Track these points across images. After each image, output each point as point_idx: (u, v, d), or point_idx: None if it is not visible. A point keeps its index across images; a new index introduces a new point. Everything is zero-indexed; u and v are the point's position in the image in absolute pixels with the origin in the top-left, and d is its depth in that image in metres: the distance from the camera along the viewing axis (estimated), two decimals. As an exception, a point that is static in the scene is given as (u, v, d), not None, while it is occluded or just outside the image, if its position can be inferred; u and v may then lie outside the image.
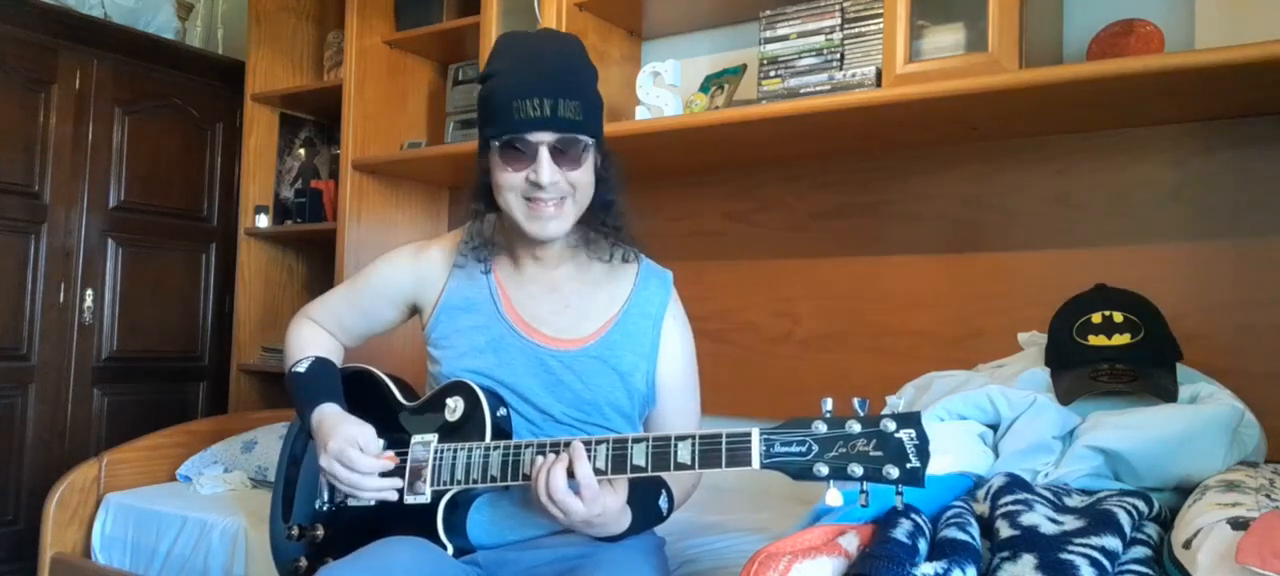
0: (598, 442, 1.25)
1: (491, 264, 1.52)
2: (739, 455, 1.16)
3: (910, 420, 1.10)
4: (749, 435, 1.16)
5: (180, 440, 2.62)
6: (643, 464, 1.23)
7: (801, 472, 1.13)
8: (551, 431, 1.44)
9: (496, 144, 1.39)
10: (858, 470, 1.10)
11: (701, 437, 1.20)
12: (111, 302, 3.28)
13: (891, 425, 1.10)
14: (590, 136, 1.40)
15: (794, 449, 1.14)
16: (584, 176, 1.41)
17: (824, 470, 1.12)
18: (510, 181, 1.39)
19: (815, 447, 1.13)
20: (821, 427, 1.14)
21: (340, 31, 3.00)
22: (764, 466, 1.15)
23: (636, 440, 1.24)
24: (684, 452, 1.20)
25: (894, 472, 1.09)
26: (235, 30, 3.81)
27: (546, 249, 1.48)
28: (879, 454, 1.10)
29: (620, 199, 1.49)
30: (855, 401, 1.14)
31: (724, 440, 1.17)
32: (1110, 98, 1.79)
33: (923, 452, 1.09)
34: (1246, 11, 1.84)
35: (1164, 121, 1.94)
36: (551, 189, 1.37)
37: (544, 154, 1.36)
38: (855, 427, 1.12)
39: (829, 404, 1.15)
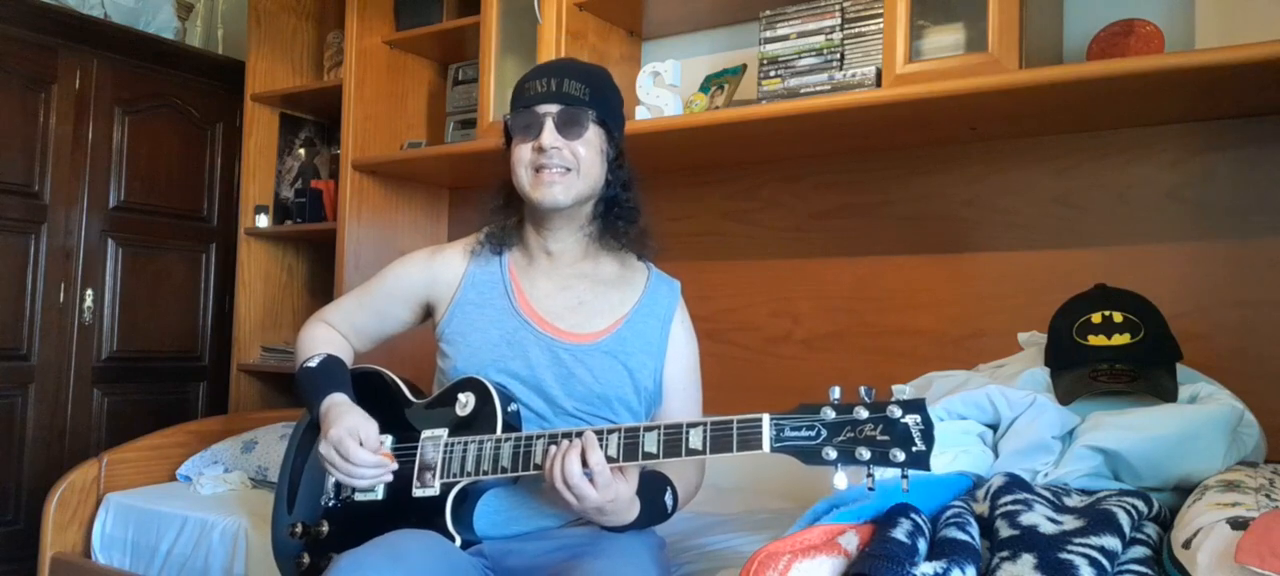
0: (609, 431, 1.29)
1: (506, 254, 1.58)
2: (750, 439, 1.20)
3: (916, 406, 1.13)
4: (760, 420, 1.19)
5: (180, 440, 2.62)
6: (654, 450, 1.26)
7: (810, 456, 1.16)
8: (562, 423, 1.46)
9: (510, 121, 1.51)
10: (865, 453, 1.14)
11: (713, 423, 1.23)
12: (111, 303, 3.28)
13: (898, 410, 1.13)
14: (595, 113, 1.48)
15: (803, 433, 1.17)
16: (587, 152, 1.48)
17: (832, 453, 1.15)
18: (520, 154, 1.49)
19: (824, 432, 1.16)
20: (830, 413, 1.17)
21: (340, 31, 3.00)
22: (774, 450, 1.18)
23: (648, 428, 1.27)
24: (695, 438, 1.23)
25: (900, 456, 1.12)
26: (235, 30, 3.81)
27: (560, 242, 1.54)
28: (886, 438, 1.13)
29: (633, 197, 1.56)
30: (861, 389, 1.17)
31: (735, 425, 1.21)
32: (1110, 98, 1.79)
33: (928, 437, 1.12)
34: (1246, 11, 1.84)
35: (1164, 121, 1.94)
36: (554, 155, 1.45)
37: (548, 123, 1.46)
38: (862, 413, 1.15)
39: (836, 391, 1.19)
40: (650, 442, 1.26)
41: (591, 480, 1.26)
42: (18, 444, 3.05)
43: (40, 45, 3.08)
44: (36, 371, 3.09)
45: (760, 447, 1.19)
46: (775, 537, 1.14)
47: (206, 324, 3.55)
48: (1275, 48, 1.52)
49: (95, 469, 2.41)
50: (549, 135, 1.45)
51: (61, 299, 3.15)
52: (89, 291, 3.21)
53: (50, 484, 2.40)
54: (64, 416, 3.17)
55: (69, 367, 3.17)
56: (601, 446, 1.27)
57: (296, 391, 1.59)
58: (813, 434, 1.17)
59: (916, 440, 1.12)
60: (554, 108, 1.47)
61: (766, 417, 1.19)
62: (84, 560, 2.32)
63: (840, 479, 1.14)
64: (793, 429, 1.18)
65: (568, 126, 1.46)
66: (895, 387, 1.18)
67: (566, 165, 1.46)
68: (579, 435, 1.29)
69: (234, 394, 3.16)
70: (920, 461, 1.11)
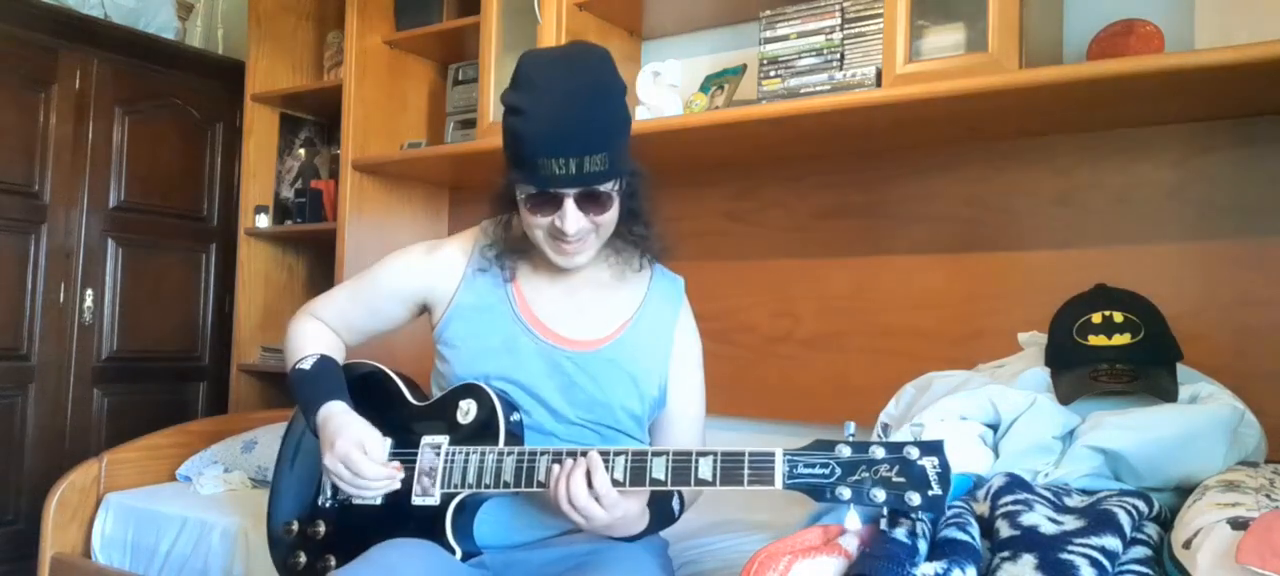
0: (616, 453, 1.25)
1: (507, 256, 1.50)
2: (762, 474, 1.17)
3: (933, 448, 1.11)
4: (772, 455, 1.17)
5: (180, 440, 2.62)
6: (662, 477, 1.23)
7: (823, 493, 1.14)
8: (564, 432, 1.43)
9: (520, 191, 1.38)
10: (880, 495, 1.10)
11: (724, 454, 1.20)
12: (111, 302, 3.28)
13: (915, 452, 1.11)
14: (616, 179, 1.37)
15: (817, 470, 1.15)
16: (609, 216, 1.40)
17: (846, 493, 1.12)
18: (537, 223, 1.39)
19: (838, 470, 1.14)
20: (845, 450, 1.15)
21: (340, 31, 3.00)
22: (787, 487, 1.16)
23: (656, 453, 1.24)
24: (705, 468, 1.20)
25: (916, 499, 1.09)
26: (235, 30, 3.81)
27: None
28: (902, 480, 1.10)
29: (647, 209, 1.47)
30: (877, 427, 1.14)
31: (747, 459, 1.18)
32: (1110, 98, 1.79)
33: (944, 480, 1.09)
34: (1246, 11, 1.84)
35: (1164, 121, 1.94)
36: (577, 234, 1.37)
37: (569, 205, 1.35)
38: (878, 452, 1.13)
39: (852, 427, 1.16)
40: (659, 469, 1.22)
41: (598, 500, 1.23)
42: (18, 444, 3.04)
43: (40, 45, 3.07)
44: (36, 371, 3.09)
45: (772, 483, 1.16)
46: (776, 537, 1.14)
47: (206, 324, 3.55)
48: (1275, 48, 1.52)
49: (95, 469, 2.41)
50: (573, 221, 1.35)
51: (61, 299, 3.15)
52: (89, 291, 3.21)
53: (50, 484, 2.40)
54: (64, 416, 3.17)
55: (69, 367, 3.17)
56: (608, 469, 1.23)
57: (290, 392, 1.56)
58: (826, 471, 1.14)
59: (933, 484, 1.09)
60: (575, 190, 1.34)
61: (779, 452, 1.17)
62: (84, 560, 2.32)
63: (852, 519, 1.11)
64: (806, 465, 1.15)
65: (591, 204, 1.36)
66: (888, 407, 1.17)
67: (589, 232, 1.39)
68: (584, 454, 1.25)
69: (234, 394, 3.16)
70: (936, 506, 1.08)
